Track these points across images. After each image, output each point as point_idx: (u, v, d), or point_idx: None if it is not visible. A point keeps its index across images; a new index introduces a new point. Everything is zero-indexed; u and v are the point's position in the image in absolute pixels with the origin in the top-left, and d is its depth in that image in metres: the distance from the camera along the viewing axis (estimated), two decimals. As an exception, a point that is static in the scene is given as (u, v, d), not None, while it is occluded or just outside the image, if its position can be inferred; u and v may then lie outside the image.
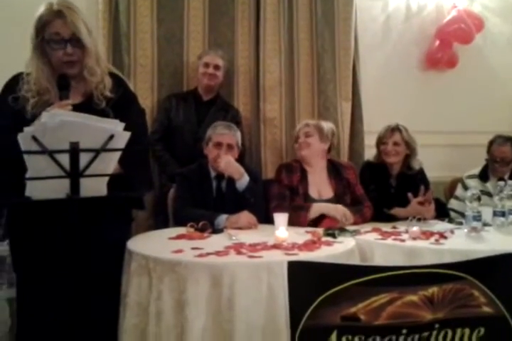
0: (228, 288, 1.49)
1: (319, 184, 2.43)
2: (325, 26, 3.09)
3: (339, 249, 1.73)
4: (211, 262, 1.54)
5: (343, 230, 2.02)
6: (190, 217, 2.07)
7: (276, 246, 1.72)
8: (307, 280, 1.34)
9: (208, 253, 1.60)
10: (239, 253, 1.63)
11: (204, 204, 2.25)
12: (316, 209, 2.24)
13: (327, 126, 2.55)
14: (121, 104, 1.73)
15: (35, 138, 1.40)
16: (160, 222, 2.61)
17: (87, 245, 1.60)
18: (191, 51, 2.94)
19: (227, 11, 3.00)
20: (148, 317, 1.53)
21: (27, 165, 1.43)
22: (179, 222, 2.15)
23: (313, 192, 2.39)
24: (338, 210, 2.23)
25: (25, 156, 1.42)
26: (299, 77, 3.08)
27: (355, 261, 1.75)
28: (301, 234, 1.96)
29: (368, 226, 2.18)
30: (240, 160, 2.45)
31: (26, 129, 1.42)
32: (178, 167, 2.61)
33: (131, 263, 1.64)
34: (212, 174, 2.35)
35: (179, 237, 1.89)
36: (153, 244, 1.78)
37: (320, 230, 2.00)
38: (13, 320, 2.11)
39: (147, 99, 2.83)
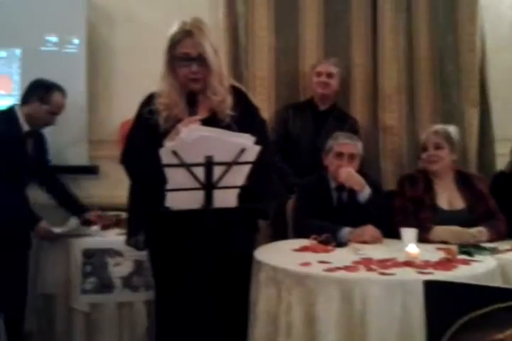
0: (360, 304, 1.45)
1: (449, 194, 2.28)
2: (447, 28, 2.93)
3: (478, 269, 1.60)
4: (342, 277, 1.52)
5: (479, 248, 1.86)
6: (312, 229, 2.06)
7: (407, 264, 1.64)
8: (446, 302, 1.26)
9: (337, 268, 1.58)
10: (369, 269, 1.58)
11: (324, 215, 2.22)
12: (438, 234, 2.08)
13: (454, 131, 2.39)
14: (243, 118, 1.78)
15: (175, 153, 1.50)
16: (278, 232, 2.63)
17: (218, 253, 1.68)
18: (307, 61, 2.95)
19: (343, 19, 2.98)
20: (278, 328, 1.54)
21: (167, 177, 1.53)
22: (300, 233, 2.15)
23: (442, 203, 2.24)
24: (463, 238, 2.03)
25: (166, 169, 1.52)
26: (419, 82, 2.95)
27: (497, 282, 1.60)
28: (431, 251, 1.85)
29: (506, 244, 1.99)
30: (361, 171, 2.39)
31: (167, 144, 1.52)
32: (297, 178, 2.62)
33: (260, 273, 1.67)
34: (333, 185, 2.32)
35: (303, 249, 1.88)
36: (279, 255, 1.79)
37: (454, 247, 1.87)
38: (150, 322, 2.25)
39: (265, 110, 2.88)
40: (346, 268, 1.59)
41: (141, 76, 2.86)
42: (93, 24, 2.96)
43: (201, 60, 1.69)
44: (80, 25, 2.87)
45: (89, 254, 2.27)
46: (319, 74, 2.78)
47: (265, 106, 2.91)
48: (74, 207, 2.58)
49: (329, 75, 2.77)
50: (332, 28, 2.98)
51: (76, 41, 2.87)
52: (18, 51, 2.86)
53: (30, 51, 2.86)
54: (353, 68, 2.95)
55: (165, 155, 1.50)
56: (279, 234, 2.58)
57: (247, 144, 1.53)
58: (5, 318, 2.16)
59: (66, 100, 2.48)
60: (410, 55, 2.94)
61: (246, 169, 1.58)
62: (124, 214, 2.61)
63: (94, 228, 2.49)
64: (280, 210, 2.64)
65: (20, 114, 2.38)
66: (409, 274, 1.55)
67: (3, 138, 2.28)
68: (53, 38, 2.87)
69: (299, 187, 2.41)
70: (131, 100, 2.80)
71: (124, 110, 2.86)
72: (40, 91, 2.39)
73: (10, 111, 2.39)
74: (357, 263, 1.66)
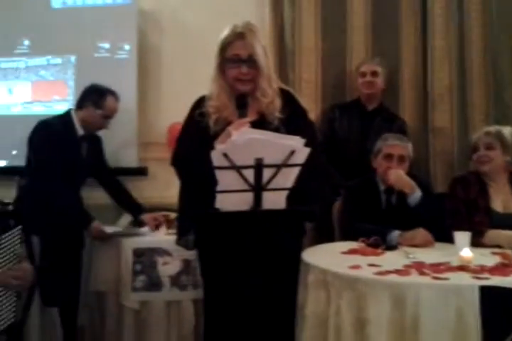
0: (412, 309, 1.42)
1: (504, 196, 2.19)
2: (501, 27, 2.82)
3: (538, 275, 1.53)
4: (393, 281, 1.49)
5: (537, 253, 1.78)
6: (361, 232, 2.04)
7: (462, 268, 1.59)
8: (504, 308, 1.22)
9: (388, 272, 1.55)
10: (422, 273, 1.55)
11: (372, 218, 2.18)
12: (493, 238, 2.01)
13: (508, 132, 2.30)
14: (292, 120, 1.78)
15: (225, 155, 1.52)
16: (323, 234, 2.61)
17: (266, 255, 1.69)
18: (354, 63, 2.93)
19: (391, 19, 2.93)
20: (327, 331, 1.53)
21: (218, 179, 1.55)
22: (348, 236, 2.13)
23: (497, 206, 2.16)
24: None
25: (216, 171, 1.54)
26: (471, 82, 2.86)
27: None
28: (486, 255, 1.78)
29: None
30: (410, 173, 2.34)
31: (218, 147, 1.54)
32: (343, 179, 2.60)
33: (308, 275, 1.67)
34: (382, 187, 2.29)
35: (352, 252, 1.86)
36: (328, 258, 1.78)
37: (510, 252, 1.80)
38: (197, 320, 2.29)
39: (311, 112, 2.86)
40: (397, 271, 1.56)
41: (188, 80, 2.93)
42: (143, 30, 3.05)
43: (251, 61, 1.70)
44: (130, 32, 2.96)
45: (139, 253, 2.33)
46: (363, 74, 2.76)
47: (312, 108, 2.89)
48: (131, 206, 2.64)
49: (374, 74, 2.74)
50: (380, 29, 2.94)
51: (127, 47, 2.97)
52: (72, 58, 2.99)
53: (84, 57, 2.98)
54: (401, 68, 2.91)
55: (216, 157, 1.52)
56: (323, 236, 2.56)
57: (296, 146, 1.53)
58: (60, 313, 2.25)
59: (119, 104, 2.56)
60: (461, 55, 2.85)
61: (295, 171, 1.57)
62: (172, 215, 2.67)
63: (145, 229, 2.56)
64: (325, 212, 2.63)
65: (75, 119, 2.47)
66: (464, 279, 1.50)
67: (60, 142, 2.38)
68: (105, 45, 2.98)
69: (346, 189, 2.38)
70: (178, 103, 2.86)
71: (172, 113, 2.93)
72: (95, 97, 2.47)
73: (66, 116, 2.48)
74: (408, 267, 1.62)
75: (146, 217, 2.58)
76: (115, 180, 2.71)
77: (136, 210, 2.62)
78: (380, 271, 1.56)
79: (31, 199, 2.36)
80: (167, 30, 3.08)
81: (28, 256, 1.44)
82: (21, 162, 2.63)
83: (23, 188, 2.52)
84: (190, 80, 2.90)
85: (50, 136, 2.37)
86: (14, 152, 2.97)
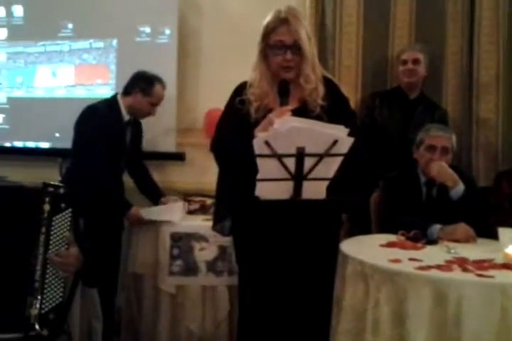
0: (455, 305, 1.39)
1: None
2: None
3: None
4: (435, 276, 1.46)
5: None
6: (400, 225, 2.00)
7: (507, 266, 1.54)
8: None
9: (429, 267, 1.52)
10: (464, 269, 1.51)
11: (412, 211, 2.14)
12: None
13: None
14: (334, 109, 1.75)
15: (267, 143, 1.51)
16: (360, 225, 2.58)
17: (303, 244, 1.68)
18: (396, 49, 2.85)
19: (437, 4, 2.83)
20: (365, 325, 1.52)
21: (258, 167, 1.54)
22: (386, 229, 2.10)
23: (543, 203, 2.10)
24: None
25: (257, 159, 1.53)
26: (520, 72, 2.74)
27: None
28: (532, 253, 1.72)
29: None
30: (453, 165, 2.27)
31: (260, 135, 1.53)
32: (381, 170, 2.55)
33: (347, 267, 1.65)
34: (422, 180, 2.23)
35: (390, 245, 1.83)
36: (366, 250, 1.76)
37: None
38: (232, 306, 2.32)
39: (351, 100, 2.81)
40: (439, 267, 1.53)
41: (227, 66, 2.91)
42: (183, 14, 3.03)
43: (295, 47, 1.67)
44: (171, 16, 2.95)
45: (176, 238, 2.37)
46: (404, 62, 2.69)
47: (351, 95, 2.83)
48: (153, 192, 2.66)
49: (415, 62, 2.66)
50: (424, 14, 2.84)
51: (167, 31, 2.97)
52: (114, 42, 3.01)
53: (126, 42, 2.99)
54: (445, 55, 2.82)
55: (258, 145, 1.50)
56: (359, 228, 2.53)
57: (340, 136, 1.50)
58: (100, 293, 2.32)
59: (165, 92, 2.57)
60: (511, 43, 2.73)
61: (338, 161, 1.55)
62: (208, 200, 2.70)
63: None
64: (362, 204, 2.59)
65: (122, 104, 2.50)
66: (510, 277, 1.46)
67: (107, 127, 2.41)
68: (146, 29, 2.99)
69: (386, 180, 2.34)
70: (217, 89, 2.87)
71: (210, 99, 2.93)
72: (143, 84, 2.49)
73: (113, 101, 2.51)
74: (450, 262, 1.59)
75: (165, 199, 2.59)
76: (143, 166, 2.73)
77: (156, 196, 2.63)
78: (421, 266, 1.53)
79: (75, 182, 2.41)
80: (207, 15, 3.06)
81: (75, 240, 1.47)
82: (64, 144, 2.70)
83: (67, 170, 2.57)
84: (230, 66, 2.88)
85: (97, 120, 2.40)
86: (57, 134, 3.05)
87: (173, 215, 2.45)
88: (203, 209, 2.65)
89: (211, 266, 2.34)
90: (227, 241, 2.26)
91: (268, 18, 1.72)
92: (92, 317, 2.33)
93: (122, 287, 2.53)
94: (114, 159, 2.45)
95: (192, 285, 2.34)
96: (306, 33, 1.69)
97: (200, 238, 2.35)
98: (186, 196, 2.79)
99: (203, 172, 2.96)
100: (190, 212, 2.64)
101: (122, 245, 2.54)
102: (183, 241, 2.36)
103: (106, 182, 2.36)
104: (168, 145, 3.00)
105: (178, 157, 3.03)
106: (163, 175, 3.07)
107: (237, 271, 1.92)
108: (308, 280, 1.73)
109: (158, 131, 2.94)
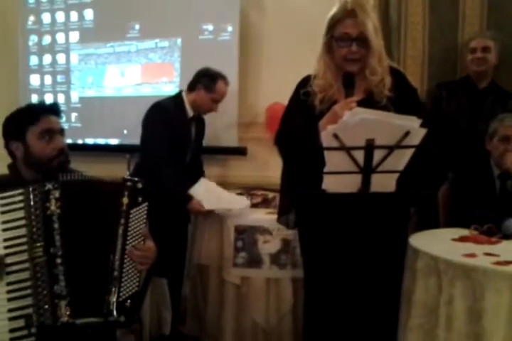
0: (536, 303, 1.32)
1: None
2: None
3: None
4: (515, 272, 1.39)
5: None
6: (473, 219, 1.92)
7: None
8: None
9: (507, 262, 1.46)
10: (546, 265, 1.43)
11: (485, 205, 2.05)
12: None
13: None
14: (401, 100, 1.71)
15: (335, 136, 1.49)
16: (428, 219, 2.51)
17: (371, 238, 1.66)
18: (465, 38, 2.72)
19: (509, -12, 2.67)
20: (437, 320, 1.48)
21: (326, 160, 1.53)
22: (458, 223, 2.02)
23: None
24: None
25: (325, 152, 1.53)
26: None
27: None
28: None
29: None
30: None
31: (329, 127, 1.51)
32: (450, 162, 2.46)
33: (417, 261, 1.61)
34: (496, 172, 2.13)
35: (463, 239, 1.77)
36: (438, 244, 1.71)
37: None
38: (295, 299, 2.33)
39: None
40: (518, 262, 1.46)
41: (288, 61, 2.92)
42: (245, 11, 3.06)
43: (361, 40, 1.65)
44: (233, 13, 2.99)
45: (240, 230, 2.40)
46: (474, 50, 2.57)
47: (417, 86, 2.73)
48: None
49: (485, 49, 2.54)
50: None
51: (229, 29, 3.01)
52: (179, 40, 3.09)
53: (189, 40, 3.06)
54: (520, 43, 2.65)
55: (326, 138, 1.49)
56: (427, 221, 2.45)
57: (412, 127, 1.47)
58: (168, 283, 2.41)
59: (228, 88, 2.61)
60: None
61: (409, 153, 1.52)
62: (270, 194, 2.72)
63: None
64: (431, 197, 2.51)
65: (186, 100, 2.56)
66: None
67: (174, 123, 2.48)
68: (209, 27, 3.04)
69: (457, 173, 2.25)
70: (277, 84, 2.90)
71: (271, 94, 2.95)
72: (206, 80, 2.53)
73: (178, 98, 2.57)
74: (531, 258, 1.51)
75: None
76: (200, 160, 2.76)
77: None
78: (498, 261, 1.47)
79: (143, 177, 2.50)
80: (269, 11, 3.06)
81: (152, 234, 1.53)
82: (132, 141, 2.81)
83: (136, 166, 2.68)
84: (290, 61, 2.89)
85: (163, 117, 2.47)
86: (125, 131, 3.18)
87: (233, 203, 2.47)
88: (265, 203, 2.67)
89: (275, 259, 2.36)
90: (290, 234, 2.27)
91: (334, 10, 1.70)
92: (162, 306, 2.44)
93: (188, 278, 2.61)
94: (180, 155, 2.52)
95: (256, 277, 2.37)
96: (372, 24, 1.66)
97: (264, 231, 2.37)
98: (248, 190, 2.83)
99: (265, 166, 2.99)
100: (253, 206, 2.66)
101: (188, 237, 2.61)
102: (247, 234, 2.39)
103: (170, 176, 2.40)
104: (231, 140, 3.04)
105: (241, 151, 3.07)
106: (225, 170, 3.14)
107: (302, 264, 1.92)
108: (375, 274, 1.70)
109: (221, 126, 2.99)
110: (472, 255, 1.54)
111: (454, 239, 1.78)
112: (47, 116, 1.54)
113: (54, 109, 1.58)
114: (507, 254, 1.54)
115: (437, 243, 1.73)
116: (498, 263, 1.46)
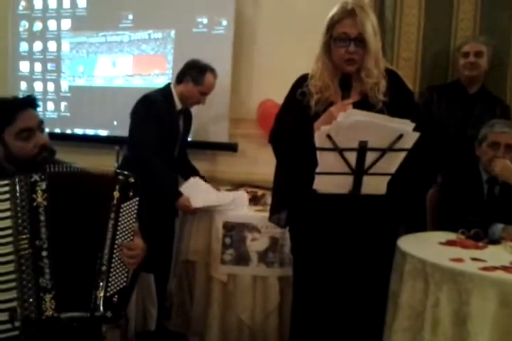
0: (521, 309, 1.34)
1: None
2: None
3: None
4: (500, 278, 1.42)
5: None
6: (460, 223, 1.94)
7: None
8: None
9: (494, 268, 1.48)
10: (532, 272, 1.46)
11: (472, 209, 2.07)
12: None
13: None
14: (396, 104, 1.71)
15: (329, 137, 1.49)
16: (415, 222, 2.52)
17: (360, 239, 1.67)
18: (458, 42, 2.74)
19: (504, -6, 2.69)
20: (423, 323, 1.50)
21: (318, 160, 1.53)
22: (445, 226, 2.04)
23: None
24: None
25: (318, 152, 1.52)
26: None
27: None
28: None
29: None
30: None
31: (323, 128, 1.51)
32: (439, 166, 2.47)
33: (405, 264, 1.62)
34: (484, 177, 2.15)
35: (450, 243, 1.79)
36: (426, 248, 1.72)
37: None
38: (282, 297, 2.33)
39: (409, 93, 2.76)
40: (505, 268, 1.48)
41: (282, 58, 2.90)
42: (240, 5, 3.03)
43: (359, 40, 1.64)
44: (228, 7, 2.96)
45: (229, 227, 2.39)
46: (466, 54, 2.58)
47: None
48: (186, 169, 2.69)
49: (478, 54, 2.56)
50: (490, 4, 2.71)
51: (224, 22, 2.98)
52: (172, 32, 3.05)
53: (183, 32, 3.03)
54: (511, 47, 2.67)
55: (319, 138, 1.50)
56: (414, 224, 2.47)
57: (405, 130, 1.47)
58: (155, 278, 2.39)
59: (216, 81, 2.59)
60: None
61: (401, 156, 1.52)
62: (259, 191, 2.71)
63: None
64: (418, 199, 2.53)
65: (174, 93, 2.53)
66: None
67: (162, 116, 2.45)
68: (204, 20, 3.01)
69: (446, 177, 2.27)
70: (271, 81, 2.89)
71: (264, 90, 2.94)
72: (194, 72, 2.51)
73: (166, 90, 2.54)
74: (516, 264, 1.53)
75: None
76: (185, 153, 2.74)
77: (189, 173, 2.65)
78: (485, 267, 1.49)
79: (130, 169, 2.47)
80: (264, 6, 3.04)
81: (140, 229, 1.51)
82: (121, 132, 2.77)
83: (124, 158, 2.65)
84: (285, 58, 2.87)
85: (152, 109, 2.44)
86: (115, 122, 3.14)
87: (219, 199, 2.45)
88: (254, 200, 2.66)
89: (262, 257, 2.36)
90: (278, 232, 2.27)
91: (334, 10, 1.69)
92: (148, 302, 2.42)
93: (174, 274, 2.59)
94: (168, 148, 2.49)
95: (243, 274, 2.36)
96: (372, 26, 1.65)
97: (253, 228, 2.36)
98: (237, 187, 2.82)
99: (255, 163, 2.98)
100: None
101: (176, 232, 2.59)
102: (235, 231, 2.38)
103: (158, 170, 2.38)
104: (221, 136, 3.02)
105: (231, 148, 3.05)
106: (214, 165, 3.12)
107: (291, 263, 1.93)
108: (363, 275, 1.72)
109: (211, 121, 2.97)
110: (459, 260, 1.55)
111: (441, 243, 1.80)
112: (22, 113, 1.45)
113: (29, 102, 1.49)
114: (493, 260, 1.56)
115: (425, 246, 1.74)
116: (485, 268, 1.47)
